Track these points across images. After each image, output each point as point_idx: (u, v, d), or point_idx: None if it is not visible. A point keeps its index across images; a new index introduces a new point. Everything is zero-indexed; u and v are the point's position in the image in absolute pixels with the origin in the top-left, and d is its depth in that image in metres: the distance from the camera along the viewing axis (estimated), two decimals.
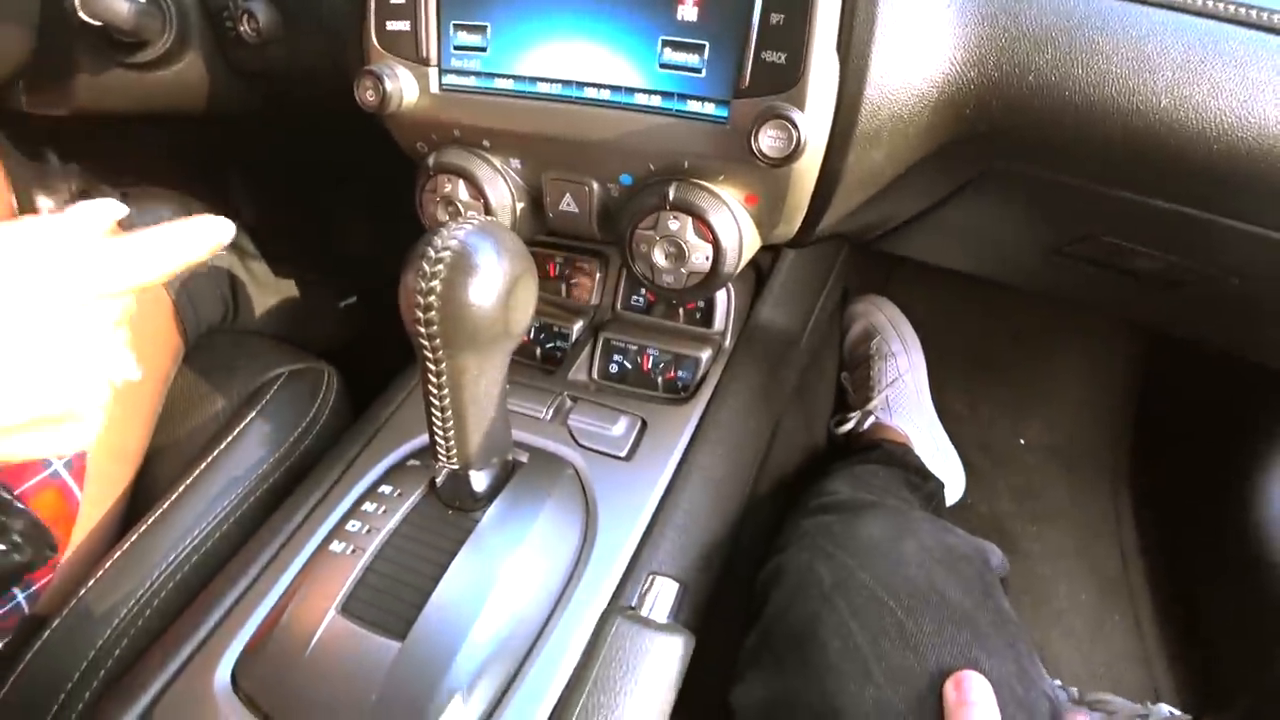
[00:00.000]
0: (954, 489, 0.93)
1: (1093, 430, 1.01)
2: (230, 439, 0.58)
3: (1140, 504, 0.96)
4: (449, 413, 0.39)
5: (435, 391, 0.38)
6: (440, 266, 0.34)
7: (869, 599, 0.43)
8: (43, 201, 0.68)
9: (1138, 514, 0.96)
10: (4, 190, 0.66)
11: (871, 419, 0.90)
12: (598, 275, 0.62)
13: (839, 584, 0.44)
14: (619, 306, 0.62)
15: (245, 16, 0.57)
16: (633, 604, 0.39)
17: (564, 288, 0.65)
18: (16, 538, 0.38)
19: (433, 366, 0.37)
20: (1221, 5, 0.37)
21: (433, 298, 0.34)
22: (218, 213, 0.69)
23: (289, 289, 0.75)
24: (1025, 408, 1.04)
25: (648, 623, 0.32)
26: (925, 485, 0.81)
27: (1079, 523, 0.95)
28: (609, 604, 0.39)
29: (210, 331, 0.69)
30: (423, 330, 0.35)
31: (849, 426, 0.91)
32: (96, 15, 0.52)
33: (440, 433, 0.40)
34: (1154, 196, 0.44)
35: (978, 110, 0.42)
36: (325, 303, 0.81)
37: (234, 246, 0.69)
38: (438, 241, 0.34)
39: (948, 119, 0.43)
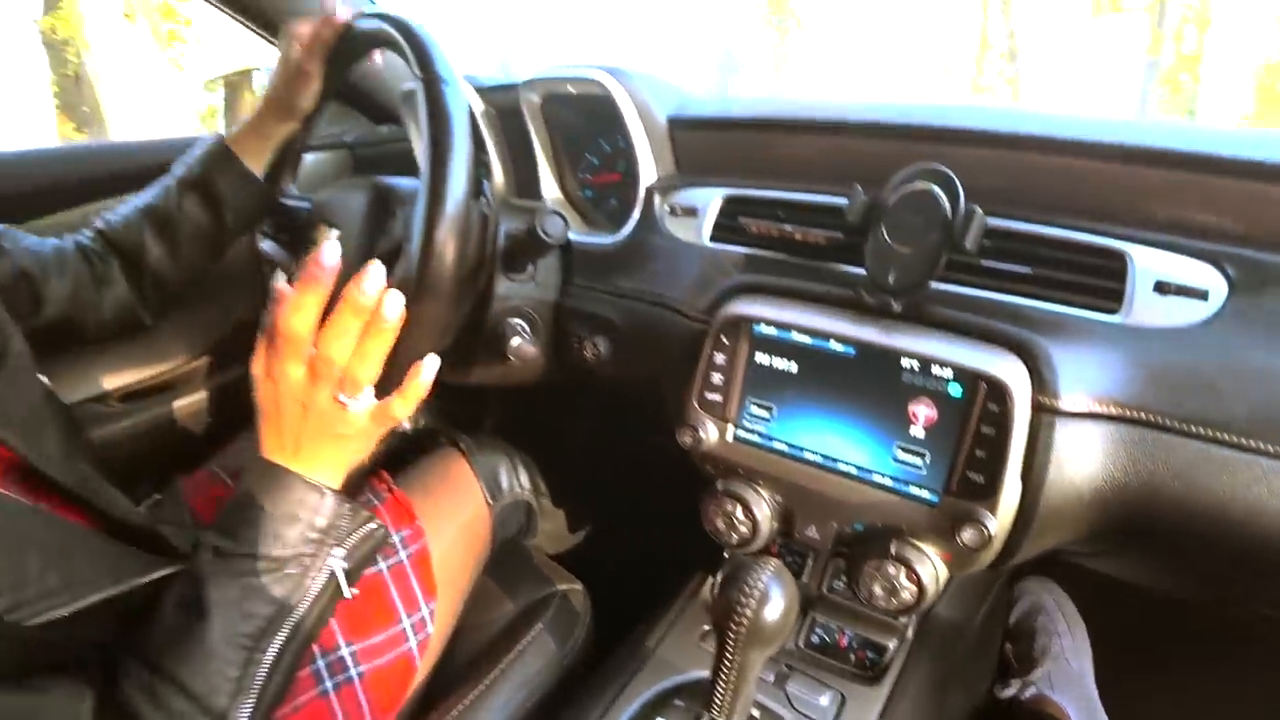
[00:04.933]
0: None
1: None
2: (515, 652, 0.79)
3: None
4: (730, 687, 0.58)
5: (725, 673, 0.57)
6: (753, 599, 0.54)
7: None
8: None
9: None
10: None
11: (1032, 689, 0.97)
12: (809, 563, 0.81)
13: None
14: (824, 589, 0.80)
15: (591, 345, 0.85)
16: None
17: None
18: None
19: (730, 657, 0.56)
20: None
21: (744, 617, 0.54)
22: (531, 456, 0.95)
23: (564, 519, 1.00)
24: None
25: None
26: None
27: None
28: None
29: (505, 542, 0.94)
30: (732, 635, 0.55)
31: (1011, 692, 0.99)
32: (521, 356, 0.81)
33: (720, 698, 0.58)
34: None
35: (1126, 513, 0.59)
36: (595, 530, 1.06)
37: (534, 486, 0.95)
38: (752, 579, 0.55)
39: (1101, 514, 0.60)
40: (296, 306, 0.47)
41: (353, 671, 0.68)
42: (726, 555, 0.80)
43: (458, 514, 0.85)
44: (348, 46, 0.76)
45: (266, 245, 0.94)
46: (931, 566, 0.63)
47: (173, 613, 0.48)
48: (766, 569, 0.56)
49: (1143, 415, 0.58)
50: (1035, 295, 0.64)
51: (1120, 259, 0.63)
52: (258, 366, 0.50)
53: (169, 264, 0.75)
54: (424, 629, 0.74)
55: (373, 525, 0.55)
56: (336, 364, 0.49)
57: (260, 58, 1.45)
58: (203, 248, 0.78)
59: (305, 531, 0.50)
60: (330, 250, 0.47)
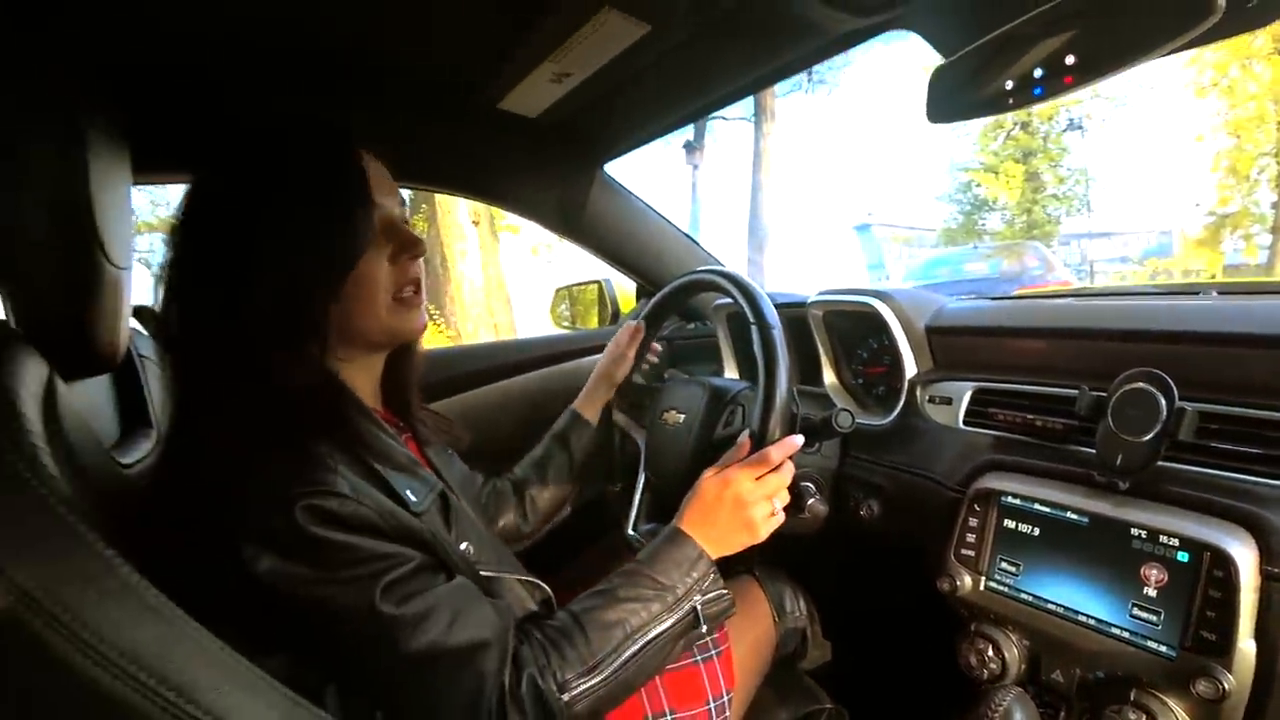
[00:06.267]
0: None
1: None
2: None
3: None
4: None
5: None
6: (996, 716, 0.70)
7: None
8: None
9: None
10: None
11: None
12: (1062, 714, 0.90)
13: None
14: None
15: (865, 506, 1.07)
16: None
17: None
18: None
19: None
20: None
21: None
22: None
23: (830, 648, 1.18)
24: None
25: None
26: None
27: None
28: None
29: (781, 661, 1.13)
30: None
31: None
32: (814, 512, 1.05)
33: None
34: None
35: None
36: (857, 660, 1.23)
37: (809, 614, 1.15)
38: (996, 699, 0.71)
39: None
40: (769, 457, 0.84)
41: None
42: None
43: (752, 627, 1.07)
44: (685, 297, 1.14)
45: (619, 417, 1.32)
46: (1174, 718, 0.72)
47: (591, 595, 0.75)
48: (1010, 693, 0.72)
49: None
50: (1261, 473, 0.73)
51: None
52: (711, 471, 0.85)
53: (542, 494, 1.12)
54: (723, 713, 0.96)
55: (725, 593, 0.80)
56: (769, 490, 0.84)
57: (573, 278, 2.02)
58: (563, 480, 1.14)
59: (684, 577, 0.76)
60: (795, 441, 0.87)
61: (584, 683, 0.68)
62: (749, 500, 0.82)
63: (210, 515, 0.60)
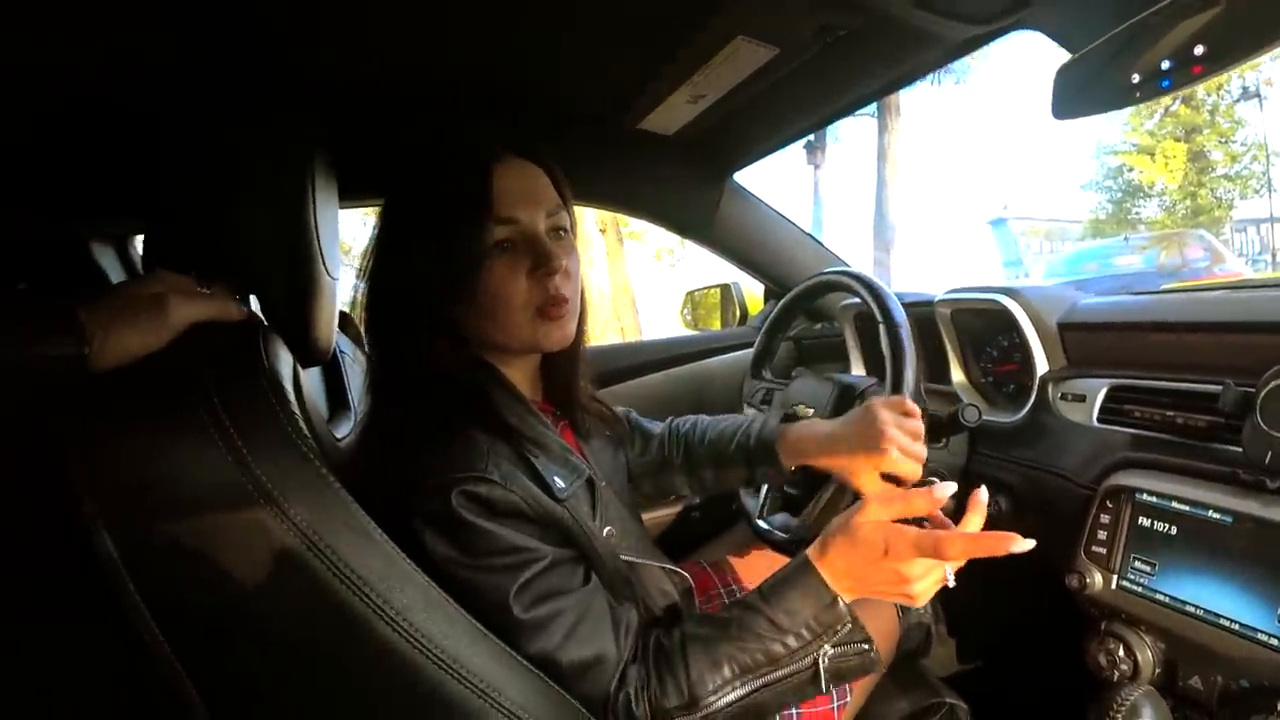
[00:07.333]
0: None
1: None
2: None
3: None
4: None
5: None
6: (1121, 712, 0.70)
7: None
8: None
9: None
10: None
11: None
12: None
13: None
14: None
15: (994, 502, 1.07)
16: None
17: None
18: None
19: None
20: None
21: None
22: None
23: (954, 647, 1.18)
24: None
25: None
26: None
27: None
28: None
29: (904, 655, 1.15)
30: None
31: None
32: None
33: None
34: None
35: None
36: (980, 660, 1.22)
37: (934, 613, 1.16)
38: (1123, 694, 0.71)
39: None
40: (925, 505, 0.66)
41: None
42: None
43: (873, 618, 1.07)
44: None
45: (750, 412, 1.38)
46: None
47: (705, 619, 0.71)
48: (1139, 688, 0.72)
49: None
50: None
51: None
52: (872, 512, 0.66)
53: (713, 482, 1.05)
54: (844, 696, 0.99)
55: (866, 647, 0.68)
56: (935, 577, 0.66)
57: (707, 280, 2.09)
58: (731, 485, 1.08)
59: (808, 620, 0.66)
60: (945, 490, 0.64)
61: (684, 717, 0.66)
62: (911, 578, 0.65)
63: (386, 492, 0.67)
